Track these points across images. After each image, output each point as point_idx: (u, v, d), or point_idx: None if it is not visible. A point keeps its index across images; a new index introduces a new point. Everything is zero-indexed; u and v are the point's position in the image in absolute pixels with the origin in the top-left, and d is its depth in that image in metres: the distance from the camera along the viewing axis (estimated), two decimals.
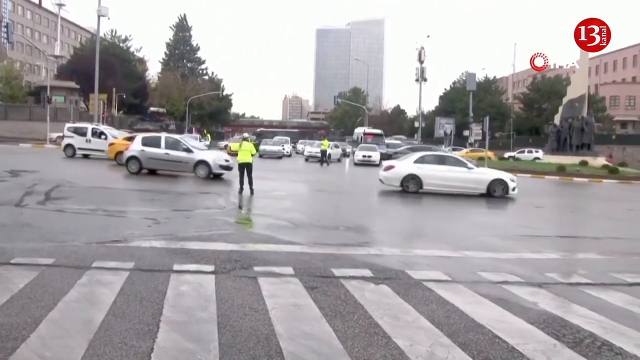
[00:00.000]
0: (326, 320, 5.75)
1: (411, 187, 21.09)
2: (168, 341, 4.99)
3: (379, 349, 5.03)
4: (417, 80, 72.75)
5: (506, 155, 59.51)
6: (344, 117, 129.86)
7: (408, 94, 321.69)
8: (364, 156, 41.79)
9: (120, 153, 26.49)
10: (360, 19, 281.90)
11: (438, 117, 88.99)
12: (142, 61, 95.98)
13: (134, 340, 4.96)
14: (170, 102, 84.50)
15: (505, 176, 21.82)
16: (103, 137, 32.18)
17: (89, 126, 34.36)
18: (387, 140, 54.16)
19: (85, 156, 32.44)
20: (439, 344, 5.24)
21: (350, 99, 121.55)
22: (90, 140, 32.45)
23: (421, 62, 72.26)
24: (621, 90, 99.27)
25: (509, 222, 15.85)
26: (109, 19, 51.39)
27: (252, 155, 18.89)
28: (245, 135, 27.15)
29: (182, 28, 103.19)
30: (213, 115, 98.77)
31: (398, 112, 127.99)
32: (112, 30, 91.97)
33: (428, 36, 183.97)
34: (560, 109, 52.02)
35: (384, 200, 20.00)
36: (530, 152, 59.80)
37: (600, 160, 45.10)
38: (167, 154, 23.26)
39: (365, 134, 54.09)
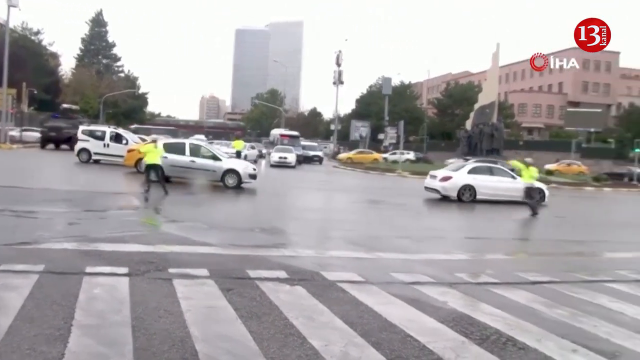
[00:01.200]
0: (242, 322, 5.74)
1: (467, 196, 22.07)
2: (80, 346, 4.85)
3: (294, 350, 5.08)
4: (334, 83, 73.60)
5: (383, 156, 60.34)
6: (261, 119, 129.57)
7: (325, 96, 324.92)
8: (280, 158, 41.86)
9: (141, 160, 22.88)
10: (280, 20, 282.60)
11: (354, 120, 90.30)
12: (54, 56, 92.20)
13: (43, 345, 4.79)
14: (84, 100, 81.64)
15: (542, 185, 22.98)
16: (124, 141, 29.41)
17: (107, 129, 31.16)
18: (302, 142, 54.46)
19: (96, 161, 29.67)
20: (352, 344, 5.34)
21: (268, 101, 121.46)
22: (108, 145, 29.49)
23: (339, 65, 73.16)
24: (528, 98, 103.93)
25: (418, 224, 16.26)
26: (19, 9, 49.12)
27: (160, 157, 18.74)
28: (155, 136, 26.15)
29: (98, 23, 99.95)
30: (128, 113, 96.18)
31: (314, 114, 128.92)
32: (22, 22, 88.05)
33: (346, 40, 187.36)
34: (472, 114, 53.89)
35: (300, 202, 20.12)
36: (402, 153, 61.18)
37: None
38: (192, 161, 21.95)
39: (281, 135, 54.17)
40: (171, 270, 7.67)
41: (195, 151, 22.38)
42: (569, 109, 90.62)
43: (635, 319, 6.94)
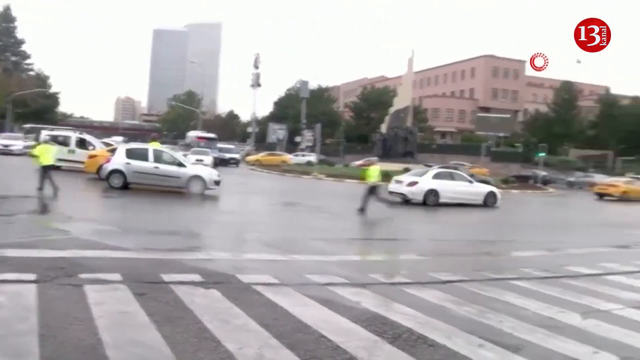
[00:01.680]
0: (155, 327, 5.65)
1: (431, 200, 23.55)
2: None
3: (208, 353, 5.05)
4: (252, 85, 73.41)
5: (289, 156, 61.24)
6: (178, 120, 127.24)
7: (243, 99, 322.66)
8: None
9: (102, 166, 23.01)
10: (198, 21, 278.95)
11: (271, 123, 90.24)
12: None
13: None
14: None
15: (495, 189, 26.67)
16: (91, 147, 27.92)
17: (73, 135, 29.54)
18: (220, 145, 53.93)
19: (57, 167, 28.37)
20: (267, 345, 5.36)
21: (185, 102, 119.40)
22: (74, 151, 27.69)
23: (256, 67, 73.03)
24: (441, 103, 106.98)
25: (334, 226, 16.43)
26: None
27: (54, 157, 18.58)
28: (47, 137, 24.96)
29: (6, 18, 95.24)
30: (38, 113, 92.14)
31: (232, 116, 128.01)
32: None
33: (264, 43, 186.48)
34: (387, 118, 54.84)
35: (215, 205, 19.96)
36: (303, 155, 61.93)
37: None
38: (156, 167, 21.14)
39: (198, 137, 53.42)
40: (82, 276, 7.44)
41: (159, 157, 21.66)
42: (479, 114, 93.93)
43: (537, 314, 7.30)
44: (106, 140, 32.68)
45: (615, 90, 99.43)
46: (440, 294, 8.02)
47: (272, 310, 6.56)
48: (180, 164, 21.73)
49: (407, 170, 44.26)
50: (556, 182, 56.13)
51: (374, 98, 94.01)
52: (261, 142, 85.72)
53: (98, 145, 28.70)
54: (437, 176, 24.99)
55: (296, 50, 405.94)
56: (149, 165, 21.10)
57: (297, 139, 74.27)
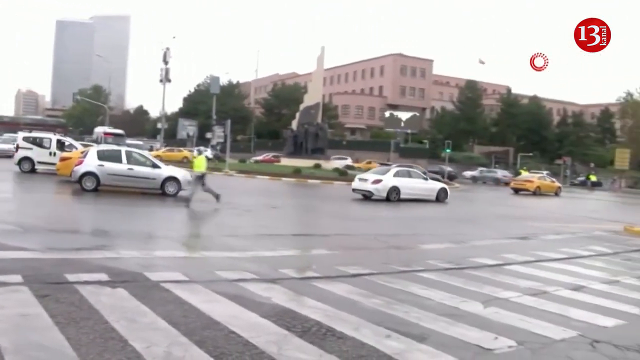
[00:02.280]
0: (58, 329, 5.47)
1: (394, 196, 25.40)
2: None
3: (114, 354, 4.95)
4: (161, 80, 71.66)
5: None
6: (84, 116, 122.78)
7: (152, 94, 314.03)
8: None
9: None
10: (105, 13, 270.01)
11: (181, 119, 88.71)
12: None
13: None
14: None
15: (446, 186, 29.44)
16: (74, 149, 26.86)
17: (53, 137, 28.56)
18: (128, 141, 52.48)
19: (32, 171, 26.91)
20: (176, 343, 5.30)
21: (92, 97, 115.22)
22: (55, 154, 26.76)
23: (166, 62, 71.32)
24: (351, 100, 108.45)
25: (246, 222, 16.39)
26: None
27: None
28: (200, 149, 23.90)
29: None
30: None
31: (141, 112, 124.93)
32: None
33: (174, 37, 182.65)
34: (298, 115, 55.11)
35: (123, 203, 19.44)
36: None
37: (332, 164, 48.70)
38: (130, 169, 20.75)
39: (105, 134, 51.78)
40: None
41: (132, 159, 21.29)
42: (388, 111, 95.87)
43: (441, 304, 7.58)
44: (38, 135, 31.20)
45: (515, 90, 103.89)
46: (349, 287, 8.17)
47: (181, 308, 6.49)
48: (155, 165, 21.50)
49: (317, 166, 44.80)
50: (457, 177, 58.22)
51: (285, 94, 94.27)
52: (171, 138, 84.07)
53: (79, 147, 27.94)
54: (397, 174, 26.94)
55: (207, 46, 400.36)
56: (122, 167, 20.75)
57: (208, 135, 73.30)
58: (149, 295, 6.91)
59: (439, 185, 29.07)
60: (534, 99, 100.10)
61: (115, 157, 21.11)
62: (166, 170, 21.63)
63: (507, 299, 8.14)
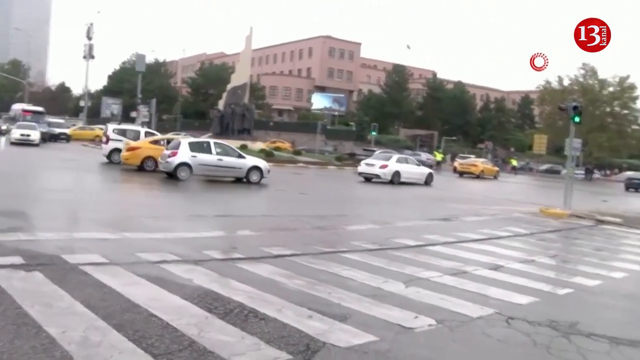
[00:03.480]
0: None
1: (396, 179, 29.87)
2: None
3: (27, 340, 4.75)
4: (84, 57, 69.34)
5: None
6: (0, 92, 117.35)
7: (75, 71, 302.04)
8: (22, 135, 38.50)
9: (147, 159, 23.93)
10: None
11: (105, 97, 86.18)
12: None
13: None
14: None
15: (432, 171, 34.29)
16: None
17: (142, 129, 30.42)
18: (50, 119, 50.55)
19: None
20: (94, 327, 5.15)
21: (10, 72, 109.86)
22: None
23: (89, 38, 69.01)
24: (279, 81, 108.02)
25: (170, 203, 16.13)
26: None
27: None
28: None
29: None
30: None
31: (63, 89, 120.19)
32: None
33: (98, 12, 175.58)
34: (225, 95, 54.41)
35: (43, 182, 18.77)
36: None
37: (259, 145, 48.43)
38: (220, 159, 22.71)
39: (24, 111, 49.64)
40: None
41: (221, 150, 23.24)
42: (315, 93, 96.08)
43: (364, 284, 7.68)
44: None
45: (441, 75, 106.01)
46: (273, 268, 8.17)
47: (100, 291, 6.32)
48: (240, 156, 23.62)
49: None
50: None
51: (213, 74, 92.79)
52: (95, 117, 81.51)
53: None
54: (399, 160, 31.84)
55: (133, 23, 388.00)
56: (212, 158, 22.59)
57: (133, 114, 71.51)
58: (66, 279, 6.69)
59: (427, 170, 33.57)
60: (459, 85, 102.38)
61: (205, 148, 22.93)
62: (250, 161, 23.85)
63: (428, 279, 8.33)
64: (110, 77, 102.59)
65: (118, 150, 27.30)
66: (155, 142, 25.69)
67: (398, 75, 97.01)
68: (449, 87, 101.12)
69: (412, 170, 31.67)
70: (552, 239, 14.81)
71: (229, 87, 54.48)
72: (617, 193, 44.71)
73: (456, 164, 52.38)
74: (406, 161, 32.65)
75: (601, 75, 73.33)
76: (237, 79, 53.52)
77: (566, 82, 75.25)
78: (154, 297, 6.22)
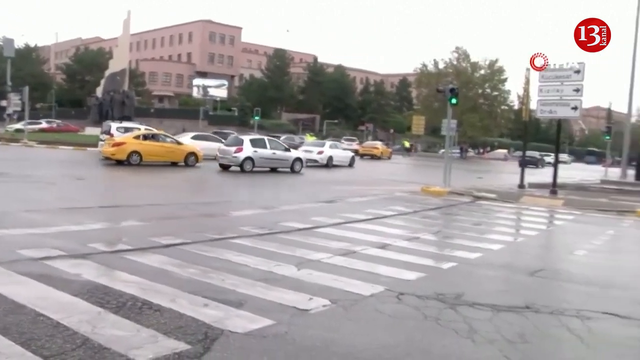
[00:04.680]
0: None
1: (330, 164, 33.71)
2: None
3: None
4: None
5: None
6: None
7: None
8: None
9: (133, 153, 25.30)
10: None
11: None
12: None
13: None
14: None
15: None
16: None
17: (142, 127, 32.43)
18: None
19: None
20: None
21: None
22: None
23: None
24: (159, 67, 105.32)
25: (49, 196, 15.36)
26: None
27: None
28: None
29: None
30: None
31: None
32: None
33: None
34: (103, 81, 52.45)
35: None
36: None
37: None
38: (274, 153, 27.14)
39: None
40: None
41: (273, 145, 27.74)
42: (197, 79, 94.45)
43: (257, 269, 7.72)
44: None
45: (321, 59, 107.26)
46: (163, 258, 8.04)
47: None
48: (287, 149, 28.36)
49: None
50: None
51: (89, 60, 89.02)
52: None
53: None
54: (331, 146, 36.30)
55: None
56: (268, 152, 26.99)
57: (3, 103, 67.08)
58: None
59: (350, 154, 38.12)
60: (339, 68, 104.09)
61: (262, 144, 27.23)
62: (294, 153, 28.85)
63: (319, 260, 8.49)
64: None
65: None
66: (138, 136, 27.15)
67: (279, 59, 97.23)
68: (329, 70, 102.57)
69: (340, 154, 36.37)
70: (434, 216, 15.48)
71: (107, 73, 52.61)
72: (492, 170, 47.30)
73: (359, 147, 57.47)
74: (336, 147, 37.82)
75: (473, 58, 77.07)
76: (115, 64, 51.75)
77: (441, 65, 78.44)
78: (41, 296, 5.94)
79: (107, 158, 26.41)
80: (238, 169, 25.87)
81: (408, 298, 6.71)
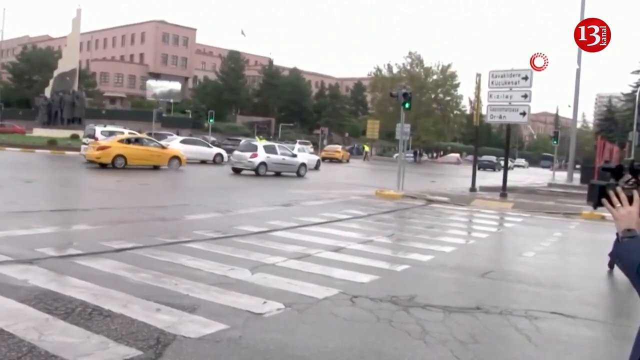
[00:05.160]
0: None
1: (262, 171, 28.70)
2: None
3: None
4: None
5: None
6: None
7: None
8: None
9: (118, 156, 25.84)
10: None
11: None
12: None
13: None
14: None
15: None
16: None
17: (125, 131, 33.46)
18: None
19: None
20: None
21: None
22: None
23: None
24: (111, 67, 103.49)
25: None
26: None
27: None
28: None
29: None
30: None
31: None
32: None
33: None
34: (51, 82, 51.30)
35: None
36: None
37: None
38: (283, 159, 29.31)
39: None
40: None
41: (282, 151, 29.97)
42: (149, 80, 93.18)
43: (211, 273, 7.65)
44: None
45: (277, 62, 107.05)
46: (115, 263, 7.89)
47: None
48: (294, 155, 31.05)
49: (75, 137, 42.22)
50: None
51: (37, 59, 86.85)
52: None
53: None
54: (300, 150, 39.35)
55: None
56: (279, 157, 29.09)
57: None
58: None
59: (317, 157, 41.14)
60: (294, 71, 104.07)
61: (273, 150, 29.38)
62: (300, 158, 31.01)
63: (273, 264, 8.46)
64: None
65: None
66: (121, 141, 27.54)
67: (234, 61, 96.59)
68: (284, 74, 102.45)
69: (309, 157, 37.55)
70: (388, 219, 15.61)
71: (56, 73, 51.45)
72: (445, 174, 47.97)
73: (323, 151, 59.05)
74: (304, 151, 41.20)
75: (426, 63, 78.03)
76: (65, 64, 50.67)
77: (395, 70, 79.18)
78: None
79: (91, 161, 26.73)
80: (253, 172, 28.18)
81: (362, 301, 6.74)
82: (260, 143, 31.19)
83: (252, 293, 6.75)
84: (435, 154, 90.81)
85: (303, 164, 30.36)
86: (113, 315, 5.64)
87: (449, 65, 76.27)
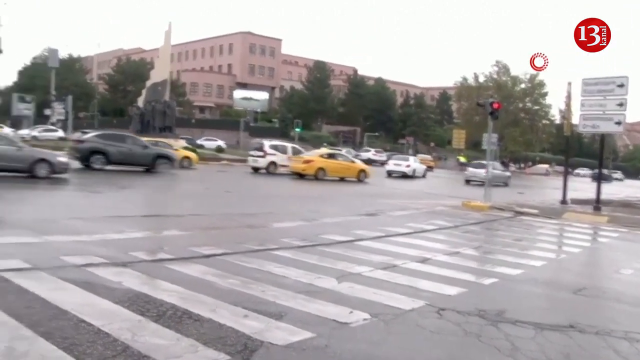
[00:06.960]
0: None
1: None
2: None
3: None
4: None
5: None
6: None
7: None
8: None
9: (320, 169, 30.78)
10: None
11: (16, 94, 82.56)
12: None
13: None
14: None
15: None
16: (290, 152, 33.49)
17: (288, 144, 35.99)
18: None
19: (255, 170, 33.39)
20: (19, 337, 4.90)
21: None
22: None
23: None
24: (200, 77, 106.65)
25: (94, 204, 15.59)
26: None
27: None
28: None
29: None
30: None
31: None
32: None
33: (5, 3, 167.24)
34: (144, 92, 53.23)
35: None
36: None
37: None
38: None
39: None
40: None
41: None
42: (237, 90, 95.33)
43: (298, 281, 7.67)
44: None
45: (361, 72, 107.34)
46: (204, 268, 8.04)
47: (24, 298, 6.02)
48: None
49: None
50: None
51: (131, 70, 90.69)
52: (4, 115, 77.80)
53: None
54: (414, 160, 44.12)
55: (45, 15, 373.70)
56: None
57: (47, 112, 68.79)
58: None
59: (424, 166, 45.30)
60: (379, 81, 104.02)
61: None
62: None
63: (360, 274, 8.40)
64: (20, 72, 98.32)
65: (274, 163, 32.92)
66: (322, 155, 32.86)
67: (319, 71, 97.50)
68: (369, 83, 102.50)
69: (419, 167, 43.15)
70: (475, 231, 15.24)
71: (148, 83, 53.38)
72: (533, 185, 46.56)
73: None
74: (416, 161, 44.38)
75: (513, 72, 76.21)
76: (157, 75, 52.49)
77: (481, 79, 77.74)
78: (83, 302, 5.99)
79: (296, 173, 31.01)
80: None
81: (449, 313, 6.58)
82: (267, 142, 34.53)
83: (338, 302, 6.72)
84: (523, 165, 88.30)
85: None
86: (202, 319, 5.74)
87: (537, 74, 74.17)
